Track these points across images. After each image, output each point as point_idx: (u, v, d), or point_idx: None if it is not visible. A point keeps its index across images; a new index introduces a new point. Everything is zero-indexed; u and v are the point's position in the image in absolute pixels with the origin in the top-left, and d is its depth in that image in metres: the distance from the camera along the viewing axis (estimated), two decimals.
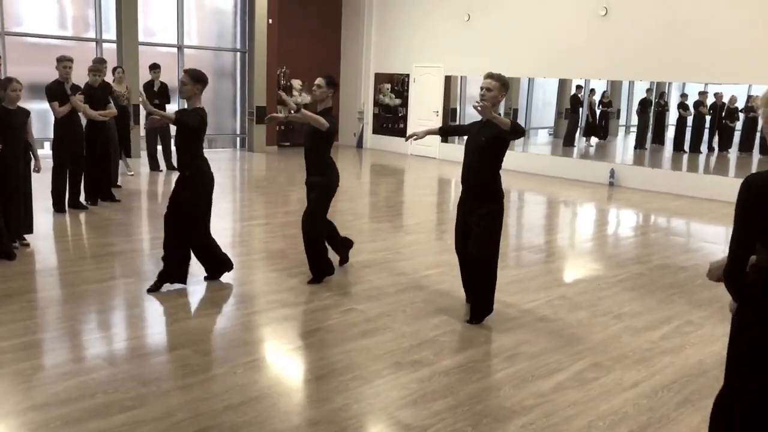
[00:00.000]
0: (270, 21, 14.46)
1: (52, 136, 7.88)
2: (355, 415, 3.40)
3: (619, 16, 11.60)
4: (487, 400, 3.61)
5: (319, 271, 5.60)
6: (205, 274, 5.56)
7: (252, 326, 4.61)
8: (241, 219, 8.21)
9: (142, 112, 11.53)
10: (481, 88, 4.61)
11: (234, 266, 5.64)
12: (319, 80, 5.45)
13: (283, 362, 4.10)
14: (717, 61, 10.53)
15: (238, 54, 14.80)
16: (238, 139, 15.20)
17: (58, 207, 7.79)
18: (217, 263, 5.53)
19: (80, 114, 7.86)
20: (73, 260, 6.11)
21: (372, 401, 3.55)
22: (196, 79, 5.10)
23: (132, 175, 10.57)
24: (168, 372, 3.81)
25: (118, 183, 9.48)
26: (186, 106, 5.33)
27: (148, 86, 11.02)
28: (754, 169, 10.48)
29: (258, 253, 6.55)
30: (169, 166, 11.32)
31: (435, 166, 13.81)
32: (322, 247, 5.63)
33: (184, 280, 5.31)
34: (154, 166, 11.23)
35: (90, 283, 5.36)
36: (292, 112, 5.37)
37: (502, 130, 4.43)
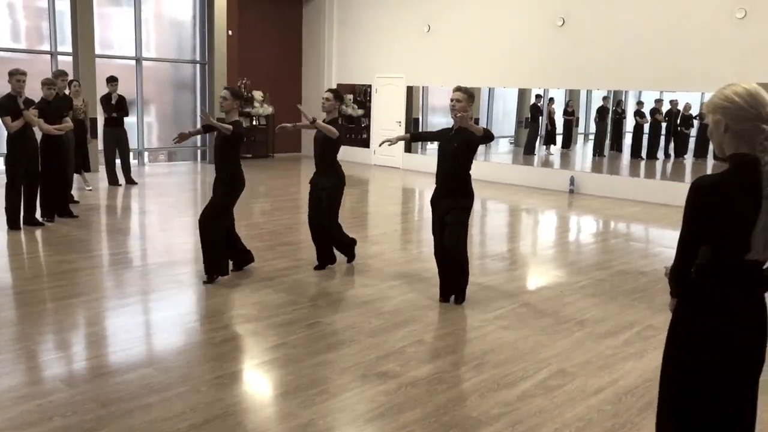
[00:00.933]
0: (230, 32, 14.37)
1: (5, 151, 7.68)
2: (323, 430, 3.36)
3: (575, 27, 11.82)
4: (454, 410, 3.61)
5: (326, 259, 6.40)
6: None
7: (216, 342, 4.54)
8: None
9: (100, 125, 11.38)
10: (452, 100, 5.12)
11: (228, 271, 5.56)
12: (327, 94, 6.34)
13: (249, 379, 4.05)
14: (671, 70, 10.80)
15: (198, 66, 14.66)
16: (198, 151, 15.02)
17: (12, 224, 7.58)
18: (215, 261, 5.82)
19: (35, 128, 7.68)
20: (29, 278, 5.94)
21: (339, 415, 3.52)
22: (235, 95, 6.00)
23: (90, 190, 10.35)
24: (129, 392, 3.72)
25: (76, 198, 9.27)
26: (224, 118, 6.09)
27: (106, 99, 10.83)
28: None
29: None
30: (129, 180, 11.12)
31: (399, 176, 13.85)
32: (335, 239, 6.45)
33: (226, 272, 5.90)
34: (113, 180, 11.02)
35: (47, 302, 5.22)
36: (308, 122, 6.17)
37: (474, 135, 5.03)
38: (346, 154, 16.07)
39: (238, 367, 4.19)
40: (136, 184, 11.18)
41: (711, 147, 12.73)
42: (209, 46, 14.23)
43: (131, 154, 11.95)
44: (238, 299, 5.47)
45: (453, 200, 5.25)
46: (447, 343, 4.63)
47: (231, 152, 5.98)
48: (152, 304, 5.35)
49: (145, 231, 8.31)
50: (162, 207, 9.60)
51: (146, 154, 14.16)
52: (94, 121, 11.29)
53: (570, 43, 11.90)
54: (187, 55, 14.58)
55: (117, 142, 10.97)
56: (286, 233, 8.02)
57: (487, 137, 5.05)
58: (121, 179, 11.09)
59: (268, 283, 5.85)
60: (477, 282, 6.07)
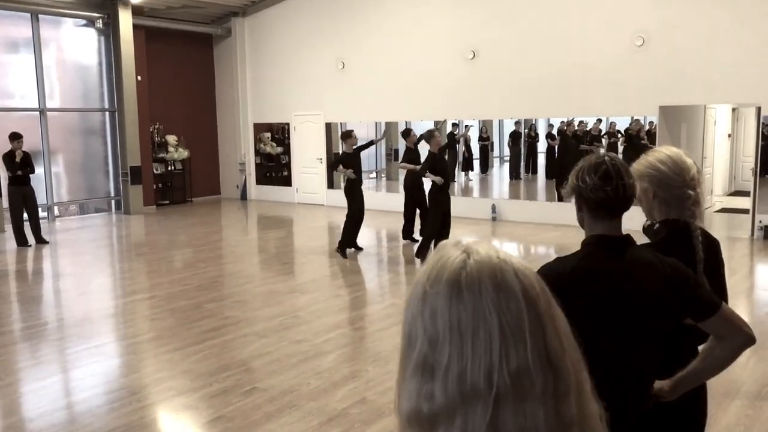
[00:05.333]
0: (139, 78, 13.97)
1: None
2: None
3: (485, 60, 12.15)
4: None
5: None
6: None
7: (146, 422, 4.28)
8: (123, 294, 7.70)
9: (4, 185, 10.73)
10: None
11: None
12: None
13: None
14: (577, 98, 11.27)
15: (108, 113, 14.15)
16: (113, 201, 14.44)
17: None
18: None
19: None
20: None
21: None
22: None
23: None
24: None
25: None
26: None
27: (8, 157, 10.23)
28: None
29: (145, 334, 6.15)
30: (39, 240, 10.52)
31: (323, 213, 13.75)
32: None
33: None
34: (21, 241, 10.38)
35: None
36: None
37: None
38: (267, 193, 15.95)
39: None
40: (48, 243, 10.59)
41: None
42: (118, 93, 13.77)
43: (39, 211, 11.32)
44: (167, 368, 5.21)
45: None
46: (390, 399, 4.54)
47: None
48: (73, 384, 5.01)
49: (61, 297, 7.83)
50: (77, 268, 9.12)
51: (56, 208, 13.49)
52: None
53: (481, 75, 12.21)
54: (95, 103, 14.06)
55: (24, 200, 10.38)
56: (212, 288, 7.76)
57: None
58: (31, 239, 10.46)
59: (197, 348, 5.61)
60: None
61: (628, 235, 1.95)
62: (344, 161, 9.11)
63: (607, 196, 1.87)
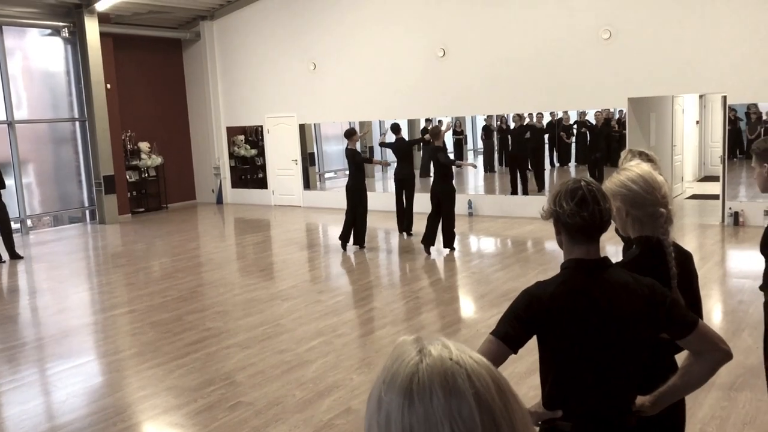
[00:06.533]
0: (108, 86, 13.81)
1: None
2: None
3: (456, 57, 12.22)
4: None
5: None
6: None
7: None
8: (102, 309, 7.63)
9: None
10: None
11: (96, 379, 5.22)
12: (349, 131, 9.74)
13: None
14: (546, 93, 11.40)
15: (78, 123, 13.98)
16: (87, 211, 14.28)
17: None
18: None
19: None
20: None
21: None
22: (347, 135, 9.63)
23: None
24: None
25: None
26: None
27: None
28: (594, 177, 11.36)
29: (127, 350, 6.12)
30: (13, 255, 10.38)
31: (300, 215, 13.74)
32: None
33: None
34: None
35: None
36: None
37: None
38: (243, 196, 15.87)
39: None
40: (22, 258, 10.46)
41: (595, 154, 13.50)
42: (87, 102, 13.59)
43: (12, 224, 11.17)
44: (151, 385, 5.20)
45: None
46: None
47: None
48: (56, 407, 4.98)
49: (38, 315, 7.74)
50: (54, 283, 9.02)
51: (29, 221, 13.32)
52: None
53: (452, 72, 12.28)
54: (64, 113, 13.87)
55: None
56: (193, 298, 7.74)
57: None
58: (4, 255, 10.33)
59: (180, 363, 5.61)
60: (387, 333, 6.08)
61: (605, 258, 2.02)
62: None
63: (584, 222, 1.94)
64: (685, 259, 2.32)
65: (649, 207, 2.23)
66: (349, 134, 9.69)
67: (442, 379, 0.89)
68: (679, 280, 2.21)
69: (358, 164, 9.64)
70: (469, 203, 12.40)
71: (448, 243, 9.36)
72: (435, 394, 0.88)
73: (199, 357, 5.73)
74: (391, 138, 10.99)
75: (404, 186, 10.49)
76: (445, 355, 0.91)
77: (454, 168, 9.32)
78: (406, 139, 11.41)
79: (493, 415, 0.89)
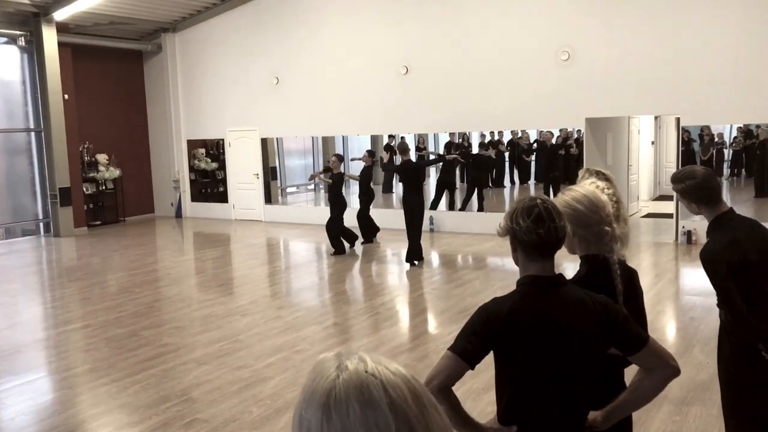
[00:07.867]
0: (66, 96, 13.56)
1: None
2: None
3: (418, 74, 12.34)
4: None
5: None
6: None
7: None
8: (55, 324, 7.44)
9: None
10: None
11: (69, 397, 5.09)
12: (332, 157, 10.31)
13: None
14: (507, 112, 11.61)
15: (33, 133, 13.68)
16: (41, 224, 13.94)
17: None
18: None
19: None
20: None
21: None
22: (340, 159, 10.37)
23: None
24: None
25: None
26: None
27: None
28: (551, 196, 11.58)
29: (80, 366, 5.97)
30: None
31: (261, 229, 13.64)
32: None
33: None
34: None
35: None
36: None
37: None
38: (203, 210, 15.69)
39: None
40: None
41: (553, 172, 13.75)
42: (44, 113, 13.32)
43: None
44: (104, 402, 5.08)
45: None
46: None
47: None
48: (4, 425, 4.82)
49: None
50: (5, 297, 8.76)
51: None
52: None
53: (414, 90, 12.40)
54: (19, 123, 13.57)
55: None
56: (149, 313, 7.60)
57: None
58: None
59: (135, 379, 5.50)
60: (357, 345, 6.06)
61: (560, 275, 2.06)
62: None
63: (540, 239, 1.98)
64: (630, 276, 2.39)
65: (595, 226, 2.28)
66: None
67: (357, 392, 0.91)
68: (625, 296, 2.27)
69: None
70: (431, 219, 12.48)
71: (418, 256, 9.45)
72: (351, 406, 0.90)
73: (155, 373, 5.63)
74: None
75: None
76: (360, 369, 0.94)
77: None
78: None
79: (409, 423, 0.91)
